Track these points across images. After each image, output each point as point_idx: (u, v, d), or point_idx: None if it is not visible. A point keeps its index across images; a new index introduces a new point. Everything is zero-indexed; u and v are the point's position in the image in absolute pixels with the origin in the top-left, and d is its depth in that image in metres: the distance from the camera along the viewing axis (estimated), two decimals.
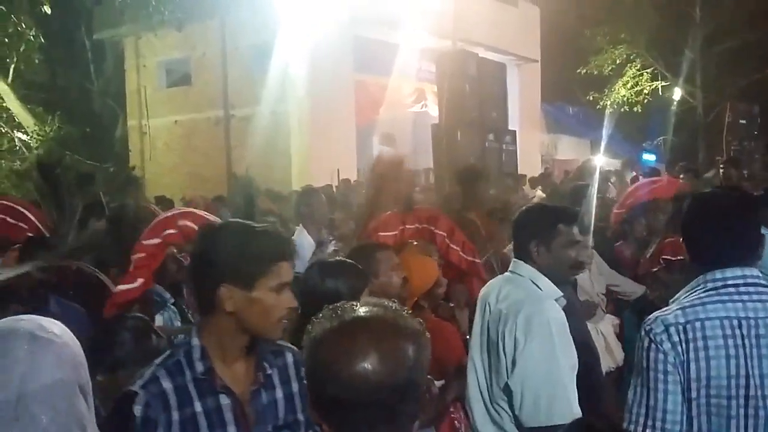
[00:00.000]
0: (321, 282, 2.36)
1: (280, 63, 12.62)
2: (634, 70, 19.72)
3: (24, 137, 14.45)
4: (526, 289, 2.55)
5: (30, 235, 3.80)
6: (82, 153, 14.08)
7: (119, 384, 1.80)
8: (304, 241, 4.37)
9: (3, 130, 14.52)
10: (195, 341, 1.65)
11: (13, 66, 13.49)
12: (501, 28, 15.75)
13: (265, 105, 12.75)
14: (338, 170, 12.41)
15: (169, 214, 3.71)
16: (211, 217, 3.58)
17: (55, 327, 1.26)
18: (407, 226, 3.62)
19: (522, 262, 2.62)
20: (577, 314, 2.99)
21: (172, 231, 3.45)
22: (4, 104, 14.03)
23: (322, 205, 4.65)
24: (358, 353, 1.14)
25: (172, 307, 3.69)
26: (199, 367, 1.62)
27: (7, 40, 12.37)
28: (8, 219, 3.99)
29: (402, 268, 2.84)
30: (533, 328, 2.28)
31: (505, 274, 2.71)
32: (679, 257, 4.36)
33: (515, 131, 10.09)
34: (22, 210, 4.04)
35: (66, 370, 1.21)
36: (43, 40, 12.72)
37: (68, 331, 1.28)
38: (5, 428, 1.14)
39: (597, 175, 6.62)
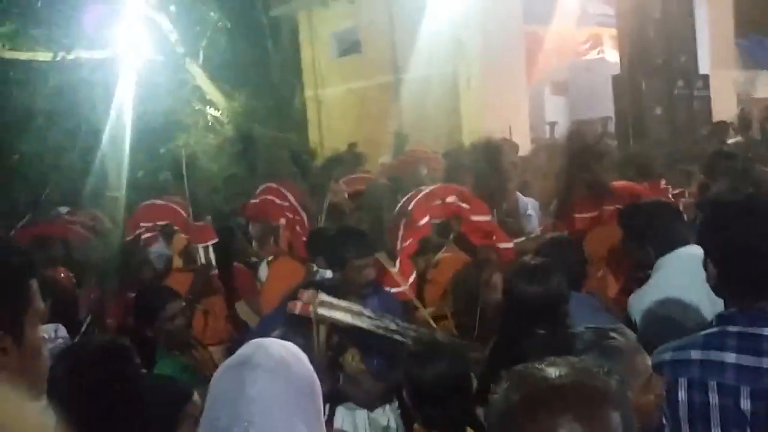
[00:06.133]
0: (525, 288, 2.34)
1: (446, 23, 12.47)
2: None
3: (215, 113, 15.75)
4: None
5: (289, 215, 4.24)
6: (267, 125, 15.05)
7: None
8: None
9: (197, 108, 15.91)
10: None
11: (202, 49, 14.68)
12: None
13: (434, 66, 12.71)
14: (510, 128, 12.12)
15: (436, 187, 3.78)
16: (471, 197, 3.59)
17: (287, 355, 1.36)
18: (606, 207, 3.47)
19: None
20: None
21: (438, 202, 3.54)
22: (197, 84, 15.34)
23: None
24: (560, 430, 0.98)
25: None
26: None
27: (198, 28, 13.44)
28: (276, 200, 4.47)
29: None
30: None
31: None
32: None
33: (707, 75, 9.20)
34: (285, 192, 4.48)
35: (290, 399, 1.31)
36: (228, 25, 13.67)
37: (302, 357, 1.38)
38: None
39: None
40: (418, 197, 3.63)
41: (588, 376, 1.04)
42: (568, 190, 3.70)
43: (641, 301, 2.58)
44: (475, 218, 3.53)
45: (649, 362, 1.46)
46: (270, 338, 1.43)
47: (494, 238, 3.54)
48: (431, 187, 3.76)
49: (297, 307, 2.74)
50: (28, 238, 5.14)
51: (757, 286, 1.63)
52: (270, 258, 4.83)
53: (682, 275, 2.41)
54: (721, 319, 1.69)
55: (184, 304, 3.08)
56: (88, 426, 1.65)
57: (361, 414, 2.62)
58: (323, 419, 1.38)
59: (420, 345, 2.25)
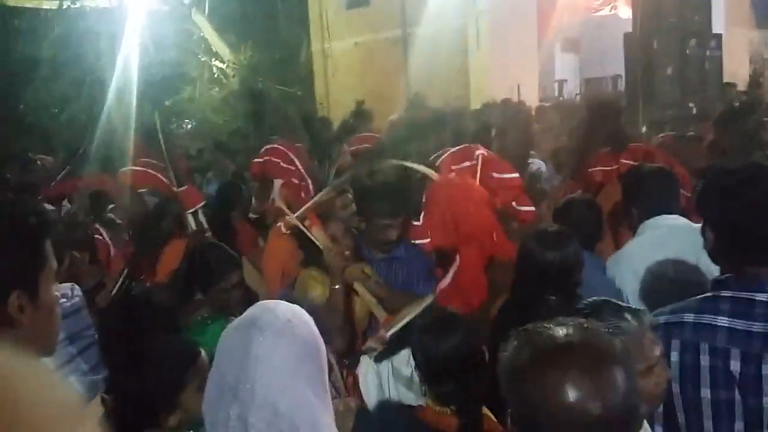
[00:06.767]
0: (541, 253, 2.35)
1: None
2: None
3: (221, 66, 15.58)
4: None
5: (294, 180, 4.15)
6: (273, 78, 14.90)
7: None
8: None
9: (202, 60, 15.75)
10: None
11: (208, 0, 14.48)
12: None
13: (443, 22, 12.52)
14: (518, 86, 12.00)
15: (462, 147, 3.66)
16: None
17: (293, 317, 1.40)
18: (622, 161, 3.51)
19: None
20: None
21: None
22: (203, 35, 15.15)
23: None
24: (572, 387, 1.04)
25: None
26: None
27: None
28: (281, 163, 4.34)
29: None
30: None
31: None
32: None
33: (721, 35, 9.05)
34: (292, 156, 4.33)
35: (295, 360, 1.35)
36: None
37: (306, 319, 1.41)
38: (246, 407, 1.33)
39: None
40: (445, 155, 3.65)
41: (593, 336, 1.10)
42: (588, 145, 3.74)
43: (617, 263, 2.65)
44: (501, 176, 3.49)
45: (658, 351, 1.48)
46: (277, 301, 1.46)
47: (516, 200, 3.52)
48: (458, 147, 3.74)
49: (283, 228, 3.08)
50: (68, 191, 5.08)
51: (752, 253, 1.68)
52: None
53: (661, 244, 2.47)
54: (715, 284, 1.74)
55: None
56: (114, 370, 1.73)
57: (385, 364, 2.69)
58: (327, 381, 1.42)
59: (433, 319, 2.23)
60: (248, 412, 1.30)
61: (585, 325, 1.13)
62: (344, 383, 2.68)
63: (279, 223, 3.54)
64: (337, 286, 2.81)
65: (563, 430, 1.06)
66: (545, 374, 1.07)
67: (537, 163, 5.13)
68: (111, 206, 4.84)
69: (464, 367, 2.06)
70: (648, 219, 2.65)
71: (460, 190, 3.29)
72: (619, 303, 1.50)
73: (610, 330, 1.26)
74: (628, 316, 1.46)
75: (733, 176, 1.74)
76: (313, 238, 2.89)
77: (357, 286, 2.85)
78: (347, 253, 2.91)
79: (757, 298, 1.65)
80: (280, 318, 1.38)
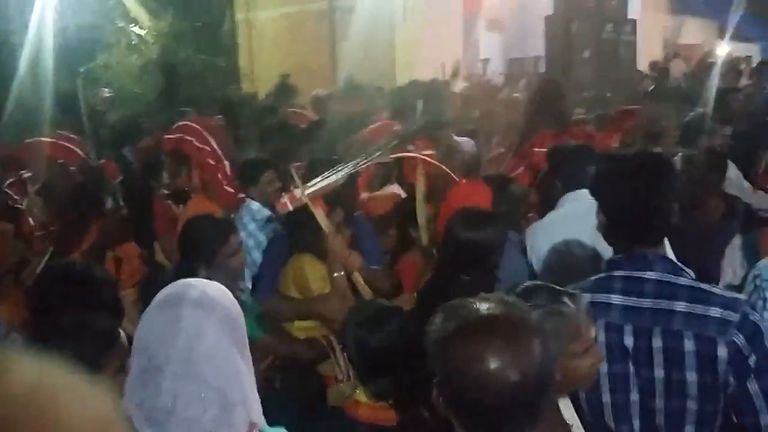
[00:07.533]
0: (462, 233, 2.39)
1: None
2: None
3: (140, 32, 14.95)
4: None
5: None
6: (194, 47, 14.43)
7: None
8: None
9: (120, 26, 15.06)
10: None
11: None
12: None
13: None
14: (443, 64, 12.10)
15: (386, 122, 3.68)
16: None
17: (217, 292, 1.42)
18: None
19: None
20: None
21: None
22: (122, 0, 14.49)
23: None
24: (493, 356, 1.14)
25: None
26: None
27: None
28: (195, 142, 4.19)
29: None
30: None
31: None
32: None
33: (635, 21, 9.42)
34: (207, 135, 4.20)
35: (225, 334, 1.38)
36: None
37: (228, 293, 1.44)
38: (178, 381, 1.33)
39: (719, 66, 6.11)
40: (371, 127, 3.73)
41: (513, 309, 1.22)
42: (531, 126, 3.84)
43: (536, 232, 2.77)
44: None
45: (593, 333, 1.55)
46: (195, 278, 1.48)
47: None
48: (382, 121, 3.84)
49: (289, 203, 2.83)
50: None
51: (639, 235, 1.80)
52: None
53: (580, 217, 2.59)
54: (609, 264, 1.87)
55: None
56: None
57: None
58: (249, 352, 1.45)
59: (367, 312, 2.19)
60: (179, 386, 1.32)
61: (506, 300, 1.25)
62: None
63: (195, 198, 3.49)
64: (337, 274, 2.72)
65: (485, 395, 1.15)
66: (469, 344, 1.17)
67: (464, 142, 5.17)
68: (27, 176, 4.55)
69: (399, 360, 2.00)
70: (569, 191, 2.76)
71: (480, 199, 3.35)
72: (556, 287, 1.57)
73: (550, 313, 1.36)
74: (565, 299, 1.53)
75: (622, 162, 1.87)
76: (319, 221, 2.75)
77: (355, 276, 2.75)
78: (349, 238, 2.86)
79: (646, 276, 1.77)
80: (204, 293, 1.40)
